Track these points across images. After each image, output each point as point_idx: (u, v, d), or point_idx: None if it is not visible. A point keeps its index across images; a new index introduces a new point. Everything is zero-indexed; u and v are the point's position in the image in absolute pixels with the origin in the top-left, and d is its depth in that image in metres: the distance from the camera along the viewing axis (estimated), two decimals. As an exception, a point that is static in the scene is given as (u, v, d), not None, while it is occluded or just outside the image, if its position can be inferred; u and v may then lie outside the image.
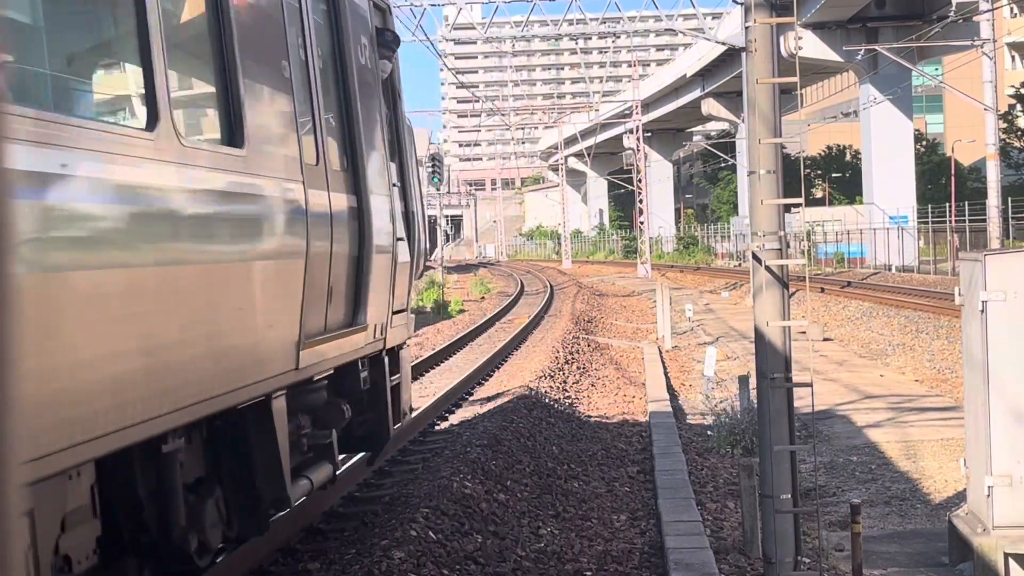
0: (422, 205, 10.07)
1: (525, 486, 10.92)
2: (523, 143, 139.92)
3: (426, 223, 10.31)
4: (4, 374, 1.37)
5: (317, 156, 6.82)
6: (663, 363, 20.92)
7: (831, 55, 52.44)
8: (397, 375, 9.02)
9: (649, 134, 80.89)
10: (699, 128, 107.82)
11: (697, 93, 73.58)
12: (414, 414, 12.02)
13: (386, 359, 8.49)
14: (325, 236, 6.74)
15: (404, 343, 9.33)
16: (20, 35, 4.29)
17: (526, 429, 13.52)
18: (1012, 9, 52.58)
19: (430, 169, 45.39)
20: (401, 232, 8.82)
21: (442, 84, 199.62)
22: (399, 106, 9.49)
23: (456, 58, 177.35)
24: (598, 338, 26.45)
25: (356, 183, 7.59)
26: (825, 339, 24.63)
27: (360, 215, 7.56)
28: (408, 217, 9.22)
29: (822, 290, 36.43)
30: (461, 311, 38.05)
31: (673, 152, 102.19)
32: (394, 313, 8.64)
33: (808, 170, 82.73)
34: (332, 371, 7.23)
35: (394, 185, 8.68)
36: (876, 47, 46.91)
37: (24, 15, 4.39)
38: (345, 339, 7.23)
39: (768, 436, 7.69)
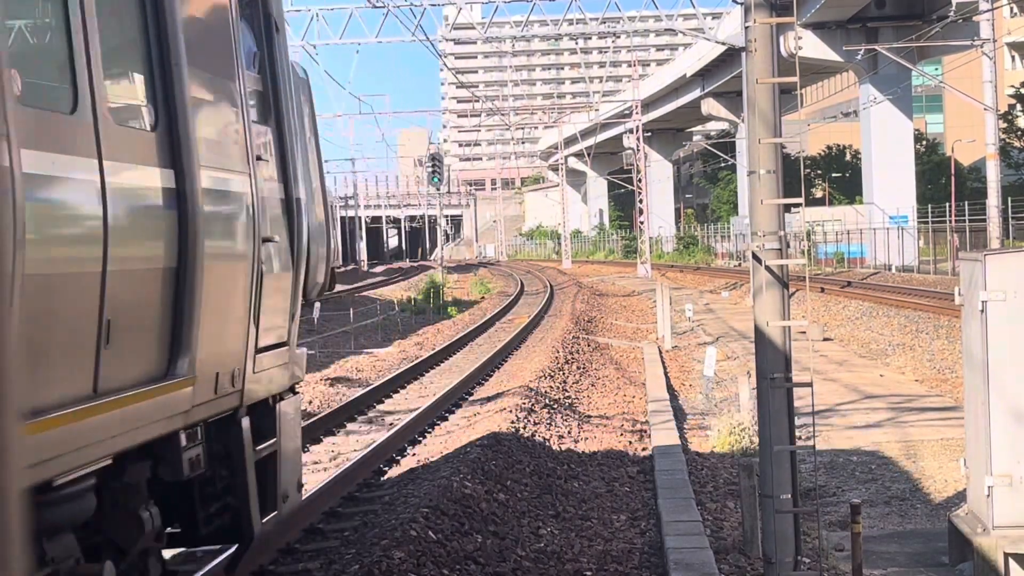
0: (322, 191, 7.13)
1: (525, 486, 10.92)
2: (523, 143, 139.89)
3: (330, 216, 7.21)
4: (4, 376, 1.36)
5: (75, 99, 4.14)
6: (663, 363, 20.92)
7: (831, 55, 52.44)
8: (271, 441, 6.18)
9: (649, 134, 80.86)
10: (699, 128, 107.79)
11: (697, 93, 73.58)
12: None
13: (246, 422, 5.79)
14: (85, 237, 4.17)
15: (286, 392, 6.53)
16: None
17: (526, 429, 13.53)
18: (1012, 9, 52.59)
19: (430, 169, 45.46)
20: (276, 229, 6.14)
21: (442, 84, 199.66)
22: (277, 44, 6.56)
23: (456, 58, 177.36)
24: (598, 338, 26.45)
25: (175, 151, 4.91)
26: (825, 339, 24.63)
27: (182, 202, 4.90)
28: (290, 207, 6.42)
29: (822, 290, 36.43)
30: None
31: (673, 152, 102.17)
32: (260, 351, 5.90)
33: (808, 170, 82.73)
34: (111, 460, 4.44)
35: (259, 159, 5.87)
36: (876, 47, 46.91)
37: None
38: (142, 403, 4.57)
39: (768, 436, 7.69)
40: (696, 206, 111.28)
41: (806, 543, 8.43)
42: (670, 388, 17.75)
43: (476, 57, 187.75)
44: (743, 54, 8.22)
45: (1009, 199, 44.99)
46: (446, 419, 15.44)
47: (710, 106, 73.13)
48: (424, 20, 41.55)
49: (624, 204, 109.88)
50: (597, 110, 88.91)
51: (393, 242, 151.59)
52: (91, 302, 4.19)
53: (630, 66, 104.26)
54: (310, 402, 16.79)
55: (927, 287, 34.33)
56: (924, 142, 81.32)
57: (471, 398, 17.34)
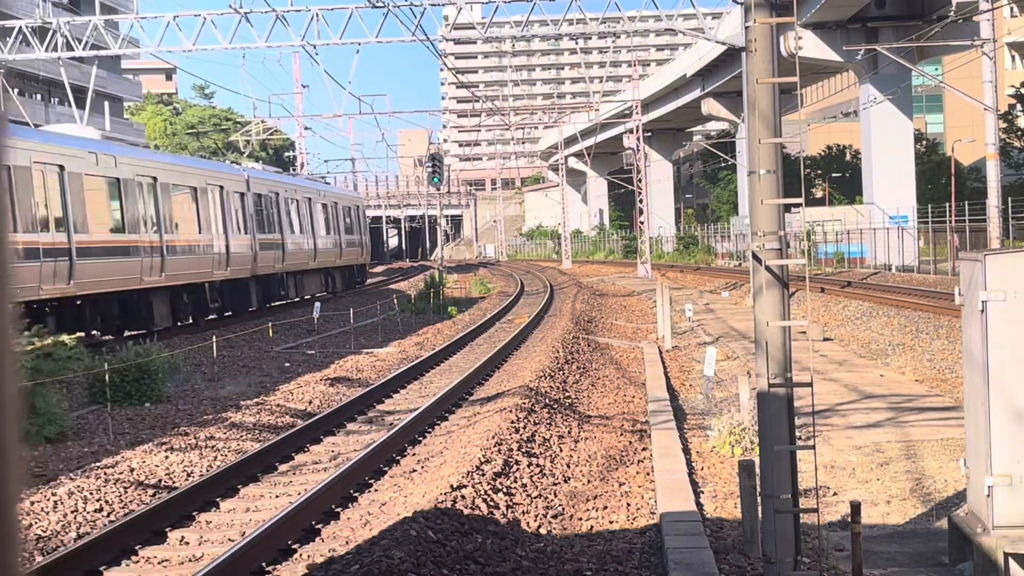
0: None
1: (524, 486, 10.92)
2: (523, 143, 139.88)
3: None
4: (4, 375, 1.36)
5: None
6: (663, 363, 20.91)
7: (831, 55, 52.44)
8: None
9: (649, 134, 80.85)
10: (699, 128, 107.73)
11: (697, 93, 73.57)
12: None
13: None
14: None
15: None
16: None
17: (526, 429, 13.53)
18: (1012, 9, 52.59)
19: (430, 169, 45.37)
20: None
21: (442, 84, 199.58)
22: None
23: (456, 58, 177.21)
24: (598, 338, 26.44)
25: None
26: (825, 339, 24.62)
27: None
28: None
29: (822, 290, 36.42)
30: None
31: (673, 152, 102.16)
32: None
33: (808, 170, 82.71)
34: None
35: None
36: (876, 47, 46.92)
37: None
38: None
39: (768, 436, 7.69)
40: (696, 206, 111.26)
41: (806, 543, 8.43)
42: (670, 388, 17.75)
43: (476, 57, 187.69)
44: (743, 54, 8.21)
45: (1009, 199, 45.00)
46: (446, 419, 15.44)
47: (710, 106, 73.11)
48: (424, 20, 41.56)
49: (624, 204, 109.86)
50: (597, 110, 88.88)
51: (393, 242, 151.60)
52: None
53: (630, 66, 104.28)
54: (310, 402, 16.79)
55: (927, 287, 34.33)
56: (924, 142, 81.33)
57: (471, 398, 17.33)
